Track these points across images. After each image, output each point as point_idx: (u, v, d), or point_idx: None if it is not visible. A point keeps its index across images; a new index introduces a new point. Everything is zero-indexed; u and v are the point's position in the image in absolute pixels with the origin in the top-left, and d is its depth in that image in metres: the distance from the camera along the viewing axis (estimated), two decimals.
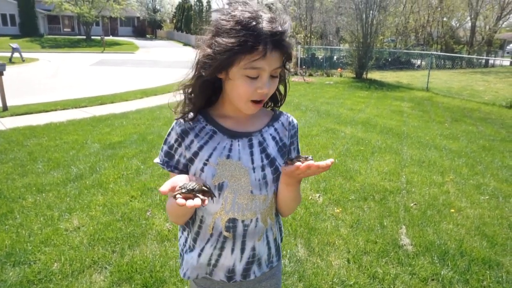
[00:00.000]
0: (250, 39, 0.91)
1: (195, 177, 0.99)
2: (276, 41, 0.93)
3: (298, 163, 0.89)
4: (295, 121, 1.19)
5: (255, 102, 1.00)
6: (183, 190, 0.84)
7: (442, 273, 2.65)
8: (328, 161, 0.86)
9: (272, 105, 1.18)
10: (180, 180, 0.91)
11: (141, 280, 2.43)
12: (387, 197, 3.91)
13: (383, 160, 5.10)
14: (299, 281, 2.51)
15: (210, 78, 1.00)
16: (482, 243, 3.09)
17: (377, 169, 4.72)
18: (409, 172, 4.69)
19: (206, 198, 0.86)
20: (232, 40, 0.91)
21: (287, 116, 1.18)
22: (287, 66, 1.03)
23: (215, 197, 0.99)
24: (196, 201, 0.83)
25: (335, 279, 2.54)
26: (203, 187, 0.90)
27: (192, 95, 1.06)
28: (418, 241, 3.07)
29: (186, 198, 0.83)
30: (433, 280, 2.60)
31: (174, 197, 0.84)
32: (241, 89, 0.97)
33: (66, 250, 2.75)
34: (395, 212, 3.57)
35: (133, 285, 2.39)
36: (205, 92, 1.06)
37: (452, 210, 3.68)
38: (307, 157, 0.92)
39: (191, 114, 1.07)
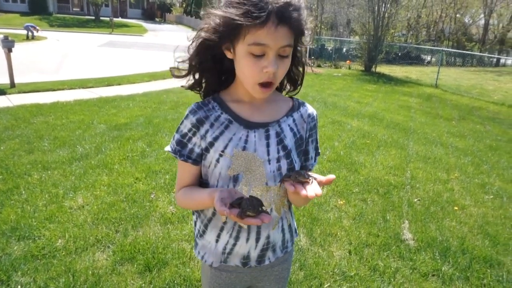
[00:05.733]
0: (254, 9, 0.82)
1: (234, 190, 0.93)
2: (282, 14, 0.84)
3: (290, 188, 0.85)
4: (315, 113, 1.13)
5: (264, 85, 0.93)
6: (250, 214, 0.82)
7: (443, 269, 2.65)
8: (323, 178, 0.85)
9: (291, 87, 1.12)
10: (225, 195, 0.88)
11: (143, 261, 2.45)
12: (391, 191, 3.90)
13: (389, 155, 5.07)
14: (300, 269, 2.53)
15: (217, 53, 0.97)
16: (484, 242, 3.09)
17: (382, 163, 4.70)
18: (414, 168, 4.67)
19: (268, 215, 0.85)
20: (235, 11, 0.85)
21: (307, 107, 1.12)
22: (299, 47, 0.97)
23: (268, 214, 0.90)
24: (265, 218, 0.83)
25: (336, 270, 2.55)
26: (259, 203, 0.87)
27: (198, 65, 1.00)
28: (420, 236, 3.07)
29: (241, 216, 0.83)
30: (433, 275, 2.60)
31: (240, 216, 0.82)
32: (246, 69, 0.91)
33: (70, 227, 2.77)
34: (399, 207, 3.56)
35: (135, 265, 2.41)
36: (210, 60, 0.99)
37: (456, 208, 3.67)
38: (307, 177, 0.85)
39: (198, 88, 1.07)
